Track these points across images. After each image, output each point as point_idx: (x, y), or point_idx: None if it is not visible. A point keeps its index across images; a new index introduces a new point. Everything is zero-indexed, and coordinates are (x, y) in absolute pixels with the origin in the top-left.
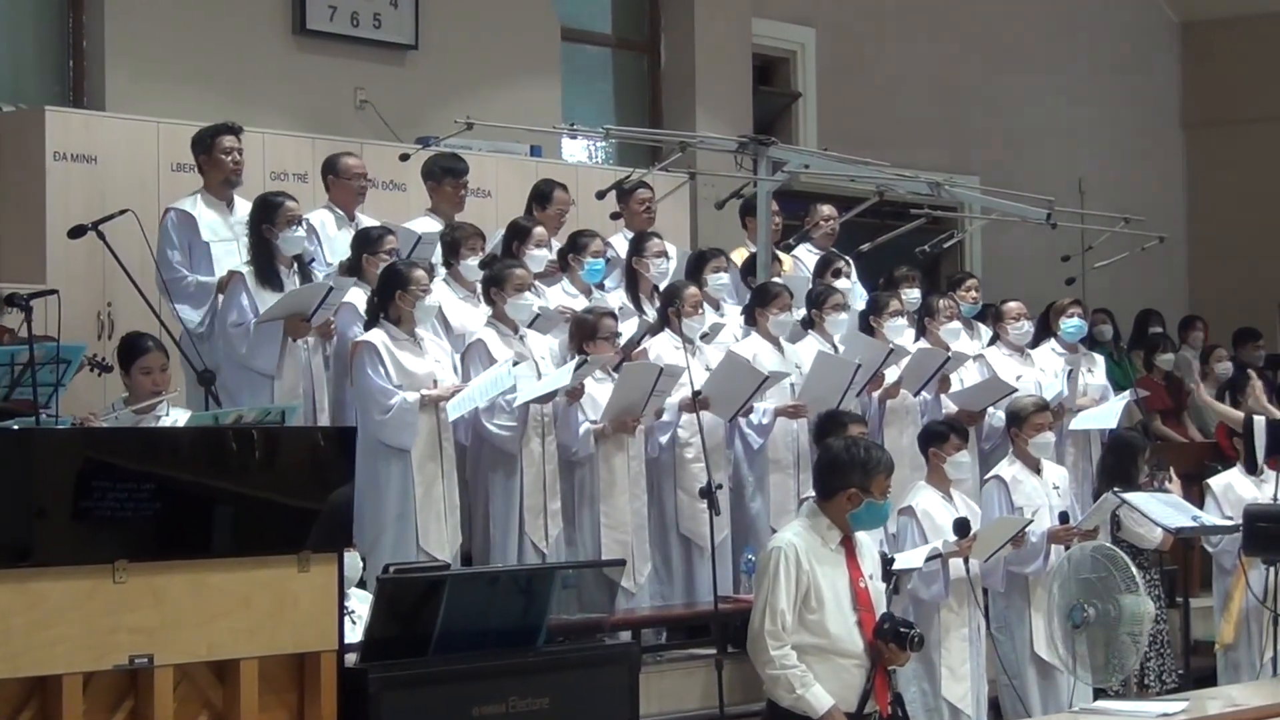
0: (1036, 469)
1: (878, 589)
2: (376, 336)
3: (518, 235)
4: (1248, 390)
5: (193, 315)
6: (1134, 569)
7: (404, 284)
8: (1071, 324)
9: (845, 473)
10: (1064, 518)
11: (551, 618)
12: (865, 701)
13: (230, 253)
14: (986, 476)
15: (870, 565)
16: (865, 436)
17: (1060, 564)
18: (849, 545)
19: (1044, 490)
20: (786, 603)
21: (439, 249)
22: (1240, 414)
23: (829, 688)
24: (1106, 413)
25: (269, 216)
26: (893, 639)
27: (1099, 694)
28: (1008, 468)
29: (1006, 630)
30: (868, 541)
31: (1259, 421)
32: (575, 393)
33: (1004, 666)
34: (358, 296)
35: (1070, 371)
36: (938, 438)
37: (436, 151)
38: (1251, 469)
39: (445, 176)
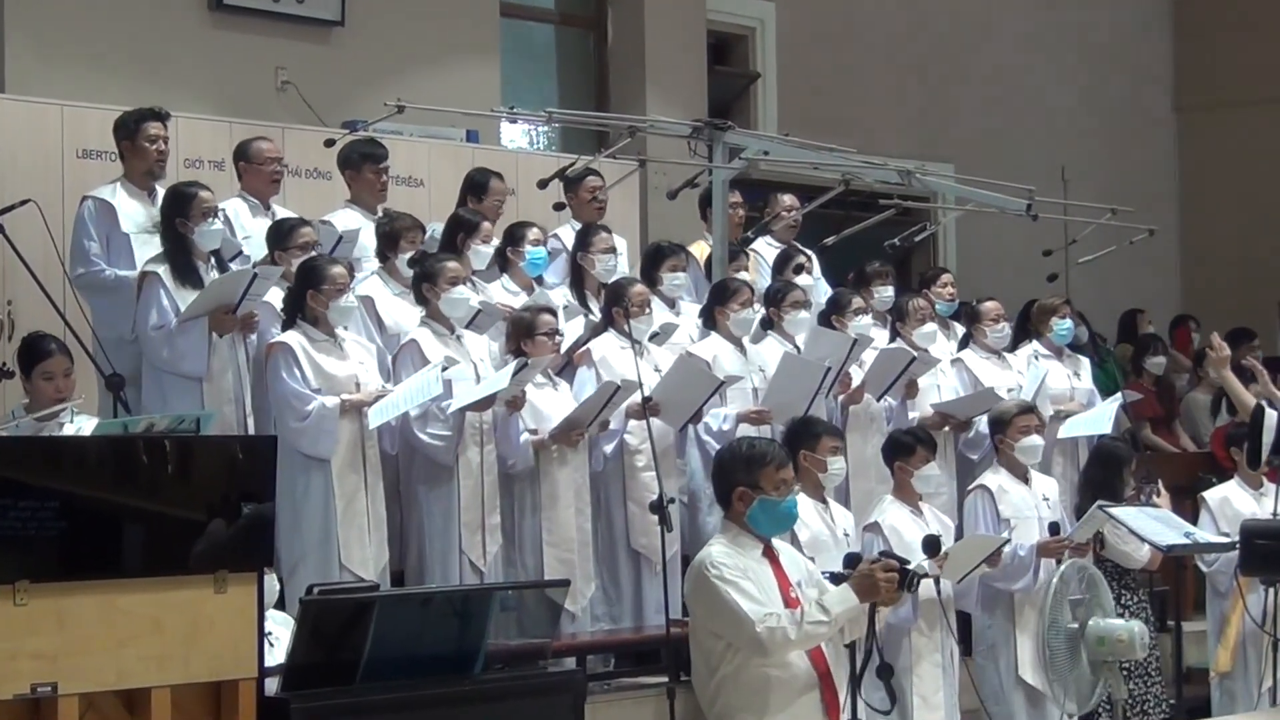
0: (1024, 478)
1: (808, 597)
2: (292, 338)
3: (464, 228)
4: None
5: (114, 316)
6: (1105, 591)
7: (317, 282)
8: (1063, 325)
9: (729, 473)
10: (1054, 529)
11: (490, 643)
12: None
13: (153, 246)
14: (970, 486)
15: (796, 572)
16: (839, 449)
17: (1051, 581)
18: (771, 554)
19: (1033, 501)
20: (756, 590)
21: (368, 244)
22: (1252, 400)
23: (788, 714)
24: (1098, 417)
25: (182, 209)
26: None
27: None
28: (993, 477)
29: (990, 653)
30: (789, 548)
31: (1270, 415)
32: (515, 401)
33: (984, 693)
34: (275, 295)
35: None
36: (903, 450)
37: (358, 136)
38: (1254, 463)
39: (364, 163)
